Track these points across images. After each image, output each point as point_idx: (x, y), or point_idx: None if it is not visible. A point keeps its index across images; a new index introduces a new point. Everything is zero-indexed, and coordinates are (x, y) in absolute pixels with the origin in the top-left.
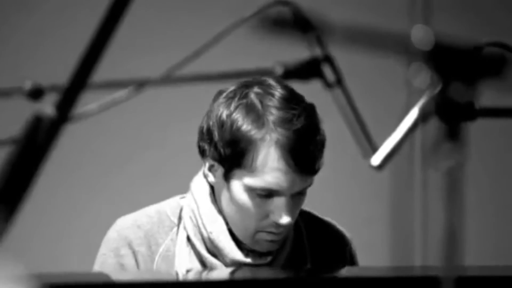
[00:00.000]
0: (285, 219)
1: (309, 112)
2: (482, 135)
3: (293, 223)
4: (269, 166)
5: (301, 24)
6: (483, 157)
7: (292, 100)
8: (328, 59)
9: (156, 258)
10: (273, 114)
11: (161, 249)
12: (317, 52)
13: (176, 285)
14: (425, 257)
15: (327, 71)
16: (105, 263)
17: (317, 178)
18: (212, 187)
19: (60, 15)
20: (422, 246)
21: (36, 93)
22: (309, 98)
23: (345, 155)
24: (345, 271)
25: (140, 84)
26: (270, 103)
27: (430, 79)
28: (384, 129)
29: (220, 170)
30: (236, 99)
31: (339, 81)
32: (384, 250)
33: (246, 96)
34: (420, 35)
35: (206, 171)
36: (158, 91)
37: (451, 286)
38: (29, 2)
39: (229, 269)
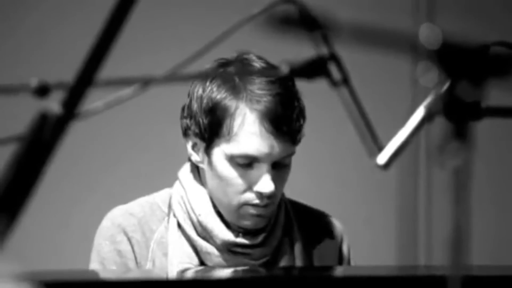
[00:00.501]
0: (268, 188)
1: (286, 80)
2: (484, 135)
3: (278, 198)
4: (246, 130)
5: (307, 23)
6: (485, 156)
7: (270, 69)
8: (335, 58)
9: (151, 245)
10: (249, 82)
11: (155, 236)
12: (324, 50)
13: (169, 284)
14: (430, 256)
15: (333, 69)
16: (101, 251)
17: (323, 176)
18: (198, 171)
19: (67, 12)
20: (427, 245)
21: (42, 91)
22: (315, 97)
23: (351, 154)
24: (350, 270)
25: (146, 82)
26: (248, 72)
27: (437, 78)
28: (390, 128)
29: (202, 146)
30: (212, 71)
31: (345, 80)
32: (389, 250)
33: (224, 69)
34: (428, 34)
35: (190, 151)
36: (163, 89)
37: (457, 286)
38: None
39: (226, 269)
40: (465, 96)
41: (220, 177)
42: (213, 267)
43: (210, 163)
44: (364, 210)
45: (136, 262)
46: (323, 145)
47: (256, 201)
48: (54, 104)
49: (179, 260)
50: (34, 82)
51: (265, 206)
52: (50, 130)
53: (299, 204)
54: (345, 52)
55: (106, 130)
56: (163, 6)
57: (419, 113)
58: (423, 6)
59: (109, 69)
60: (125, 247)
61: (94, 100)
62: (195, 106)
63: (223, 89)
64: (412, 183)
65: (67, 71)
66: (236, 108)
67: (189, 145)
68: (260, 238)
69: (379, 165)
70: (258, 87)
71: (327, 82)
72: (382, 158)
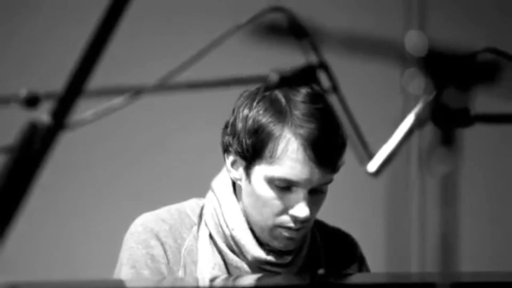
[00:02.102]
0: (304, 213)
1: (331, 109)
2: (480, 140)
3: (312, 223)
4: (288, 156)
5: (296, 31)
6: (481, 161)
7: (316, 96)
8: (324, 66)
9: (182, 251)
10: (296, 107)
11: (186, 243)
12: (312, 58)
13: None
14: (421, 263)
15: (323, 77)
16: (134, 255)
17: None
18: (234, 186)
19: (55, 22)
20: (418, 252)
21: (31, 101)
22: None
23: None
24: (341, 278)
25: (136, 92)
26: (294, 98)
27: (424, 85)
28: (380, 135)
29: (241, 165)
30: (260, 93)
31: (335, 88)
32: (380, 257)
33: (271, 92)
34: (414, 41)
35: (229, 167)
36: (154, 98)
37: None
38: (24, 9)
39: (253, 276)
40: (452, 102)
41: (257, 197)
42: (242, 275)
43: (248, 181)
44: (354, 217)
45: (169, 267)
46: None
47: (291, 224)
48: (43, 115)
49: (208, 270)
50: (23, 92)
51: (297, 229)
52: (39, 140)
53: (321, 223)
54: (334, 60)
55: (107, 140)
56: (153, 17)
57: (409, 120)
58: (414, 9)
59: (98, 79)
60: (159, 252)
61: (84, 110)
62: (239, 125)
63: (269, 112)
64: (403, 190)
65: (56, 81)
66: (282, 132)
67: (228, 161)
68: (289, 258)
69: (370, 173)
70: (303, 113)
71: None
72: (373, 165)
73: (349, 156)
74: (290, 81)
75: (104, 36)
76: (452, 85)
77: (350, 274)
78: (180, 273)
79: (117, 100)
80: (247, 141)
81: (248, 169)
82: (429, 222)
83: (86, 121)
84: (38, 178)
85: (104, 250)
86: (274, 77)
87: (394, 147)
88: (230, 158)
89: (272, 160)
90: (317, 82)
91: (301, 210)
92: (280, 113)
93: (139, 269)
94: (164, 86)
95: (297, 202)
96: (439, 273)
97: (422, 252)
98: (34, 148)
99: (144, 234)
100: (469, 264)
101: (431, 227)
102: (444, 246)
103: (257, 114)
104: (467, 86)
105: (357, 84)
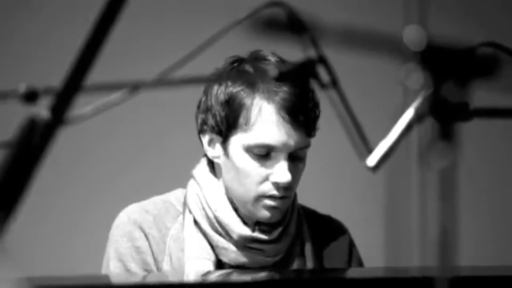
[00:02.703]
0: (285, 177)
1: (302, 75)
2: (480, 135)
3: (293, 191)
4: (263, 120)
5: (295, 26)
6: (481, 156)
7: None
8: (323, 60)
9: (168, 241)
10: (265, 75)
11: (171, 232)
12: (312, 53)
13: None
14: (420, 257)
15: (322, 72)
16: (119, 248)
17: (313, 178)
18: (212, 167)
19: (54, 18)
20: (417, 247)
21: (30, 96)
22: None
23: (341, 156)
24: (339, 272)
25: (135, 87)
26: (263, 66)
27: (423, 80)
28: (380, 130)
29: (218, 141)
30: (228, 68)
31: (334, 82)
32: (379, 251)
33: (239, 64)
34: (413, 36)
35: (206, 146)
36: (152, 94)
37: (445, 287)
38: (23, 5)
39: (232, 271)
40: (451, 97)
41: (237, 169)
42: (231, 271)
43: (226, 155)
44: (353, 212)
45: (154, 258)
46: (312, 146)
47: (273, 192)
48: (42, 110)
49: (196, 256)
50: (22, 87)
51: (281, 198)
52: (38, 135)
53: (308, 209)
54: (333, 55)
55: (106, 135)
56: (151, 11)
57: (409, 114)
58: (414, 5)
59: (97, 74)
60: (143, 243)
61: (82, 105)
62: (211, 101)
63: (239, 81)
64: (403, 184)
65: (55, 76)
66: (253, 99)
67: (205, 141)
68: (275, 234)
69: (369, 167)
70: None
71: (316, 85)
72: (372, 160)
73: (348, 151)
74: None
75: (103, 31)
76: (451, 79)
77: (348, 269)
78: (166, 262)
79: (116, 95)
80: (221, 113)
81: (225, 144)
82: (428, 216)
83: (85, 116)
84: (37, 173)
85: (100, 246)
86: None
87: (393, 142)
88: (206, 137)
89: (247, 127)
90: (316, 76)
91: (283, 175)
92: (250, 82)
93: (125, 262)
94: (163, 81)
95: (277, 168)
96: (438, 267)
97: (421, 247)
98: (33, 143)
99: (128, 226)
100: (468, 258)
101: (431, 221)
102: (443, 240)
103: (227, 86)
104: (466, 81)
105: (356, 78)
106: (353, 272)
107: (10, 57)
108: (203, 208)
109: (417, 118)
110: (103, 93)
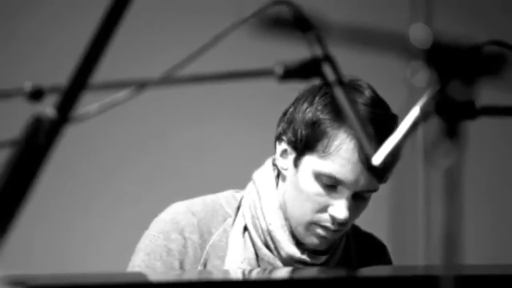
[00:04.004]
0: (343, 214)
1: (393, 120)
2: (481, 134)
3: (348, 227)
4: (341, 155)
5: (300, 24)
6: (482, 156)
7: (379, 103)
8: (328, 59)
9: (207, 247)
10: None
11: (213, 238)
12: (317, 51)
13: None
14: (425, 255)
15: (328, 70)
16: (152, 243)
17: None
18: (276, 175)
19: (60, 16)
20: (422, 245)
21: (36, 94)
22: None
23: None
24: (345, 271)
25: (140, 85)
26: (357, 99)
27: (429, 78)
28: None
29: (291, 155)
30: (324, 88)
31: (340, 81)
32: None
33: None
34: (419, 34)
35: (278, 156)
36: (158, 92)
37: (450, 285)
38: (29, 3)
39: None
40: (457, 95)
41: (300, 190)
42: (273, 268)
43: (295, 172)
44: None
45: (183, 264)
46: None
47: (327, 224)
48: (48, 108)
49: (237, 264)
50: (28, 86)
51: (333, 231)
52: (44, 134)
53: (355, 226)
54: (338, 53)
55: (111, 134)
56: (157, 9)
57: (414, 113)
58: (420, 4)
59: (103, 72)
60: (177, 247)
61: (88, 103)
62: (297, 116)
63: (329, 108)
64: (408, 183)
65: (61, 74)
66: (338, 131)
67: (279, 149)
68: (323, 259)
69: (374, 166)
70: (367, 116)
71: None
72: (377, 158)
73: None
74: (295, 74)
75: (109, 30)
76: (457, 77)
77: (354, 267)
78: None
79: (121, 94)
80: (302, 131)
81: (297, 160)
82: (433, 215)
83: (91, 114)
84: (43, 171)
85: (103, 246)
86: (278, 70)
87: (399, 140)
88: (281, 146)
89: (324, 154)
90: (322, 75)
91: (341, 211)
92: (340, 112)
93: (152, 258)
94: (168, 80)
95: (338, 203)
96: (443, 266)
97: (426, 245)
98: (38, 141)
99: (169, 226)
100: (473, 257)
101: (436, 220)
102: (448, 239)
103: (317, 109)
104: (472, 79)
105: (362, 77)
106: (358, 271)
107: (14, 55)
108: (257, 218)
109: (423, 117)
110: (109, 91)
